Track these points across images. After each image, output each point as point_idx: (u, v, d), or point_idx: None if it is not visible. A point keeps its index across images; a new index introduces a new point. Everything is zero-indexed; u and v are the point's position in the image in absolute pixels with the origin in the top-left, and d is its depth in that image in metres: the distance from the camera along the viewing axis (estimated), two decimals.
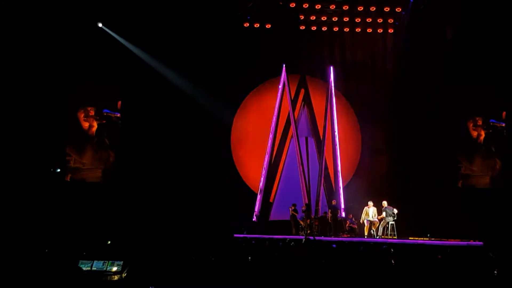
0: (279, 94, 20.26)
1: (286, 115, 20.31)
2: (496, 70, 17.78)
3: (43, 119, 18.24)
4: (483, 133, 18.84)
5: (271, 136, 20.03)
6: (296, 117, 20.21)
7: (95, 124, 19.19)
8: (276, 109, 20.21)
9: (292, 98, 20.26)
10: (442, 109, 18.72)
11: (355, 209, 18.44)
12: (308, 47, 19.86)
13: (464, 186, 18.87)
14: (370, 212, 17.59)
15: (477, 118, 18.94)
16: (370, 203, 17.67)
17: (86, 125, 19.20)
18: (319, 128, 20.16)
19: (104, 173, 19.18)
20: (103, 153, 19.24)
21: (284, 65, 20.12)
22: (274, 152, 20.10)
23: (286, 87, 20.16)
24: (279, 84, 20.30)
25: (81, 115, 19.19)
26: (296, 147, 19.84)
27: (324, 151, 19.70)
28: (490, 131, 18.79)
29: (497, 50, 17.70)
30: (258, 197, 19.66)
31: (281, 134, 20.21)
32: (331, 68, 20.07)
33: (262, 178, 19.81)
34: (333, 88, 20.09)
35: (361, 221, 17.77)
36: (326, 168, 19.78)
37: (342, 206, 19.11)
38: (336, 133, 19.86)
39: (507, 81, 17.85)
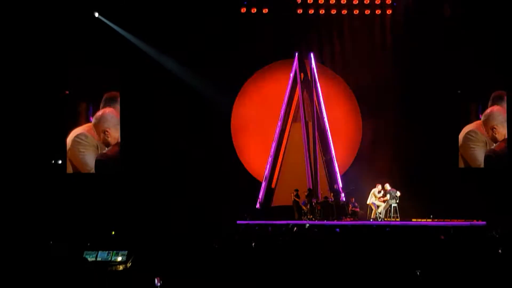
0: (290, 82, 20.12)
1: (285, 100, 20.23)
2: (498, 48, 17.64)
3: (41, 110, 18.22)
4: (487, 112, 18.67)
5: (279, 123, 19.98)
6: (296, 102, 20.17)
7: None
8: (286, 97, 20.11)
9: (292, 83, 20.18)
10: (443, 90, 18.60)
11: (357, 192, 18.47)
12: (306, 31, 19.73)
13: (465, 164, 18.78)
14: (376, 194, 17.60)
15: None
16: (379, 186, 17.66)
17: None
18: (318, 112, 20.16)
19: (105, 163, 19.18)
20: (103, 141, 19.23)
21: (296, 53, 19.97)
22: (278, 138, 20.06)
23: (298, 76, 20.00)
24: (290, 72, 20.11)
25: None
26: (304, 133, 19.80)
27: (317, 135, 19.71)
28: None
29: (499, 28, 17.54)
30: (263, 184, 19.66)
31: (282, 120, 20.17)
32: (312, 54, 19.95)
33: (268, 165, 19.78)
34: (316, 74, 19.94)
35: (367, 203, 17.81)
36: (329, 152, 19.78)
37: (341, 190, 19.08)
38: (325, 118, 19.78)
39: (508, 59, 17.71)
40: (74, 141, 18.99)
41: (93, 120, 19.06)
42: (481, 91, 18.61)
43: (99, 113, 19.06)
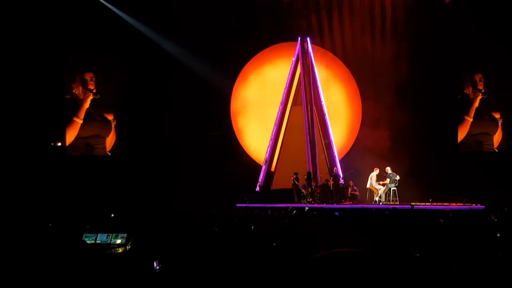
0: (291, 66, 20.04)
1: (286, 84, 20.15)
2: (498, 31, 17.49)
3: (41, 92, 18.18)
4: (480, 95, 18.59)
5: (281, 107, 19.93)
6: (297, 86, 20.10)
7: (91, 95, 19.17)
8: (288, 81, 20.03)
9: (293, 68, 20.08)
10: (443, 73, 18.49)
11: (355, 176, 18.47)
12: (306, 14, 19.56)
13: (465, 149, 18.75)
14: (374, 178, 17.62)
15: (476, 78, 18.63)
16: (377, 170, 17.64)
17: (84, 95, 19.22)
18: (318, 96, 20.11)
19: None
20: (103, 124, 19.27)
21: (299, 38, 19.85)
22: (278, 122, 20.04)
23: (300, 61, 19.95)
24: (293, 57, 20.07)
25: (79, 87, 19.14)
26: (305, 116, 19.76)
27: (316, 119, 19.68)
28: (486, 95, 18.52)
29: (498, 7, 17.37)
30: (263, 167, 19.69)
31: (284, 104, 20.12)
32: (308, 39, 19.82)
33: (268, 149, 19.78)
34: (312, 58, 19.88)
35: (367, 186, 17.80)
36: (327, 136, 19.76)
37: (340, 174, 19.06)
38: (323, 101, 19.72)
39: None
40: None
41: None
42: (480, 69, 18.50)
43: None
